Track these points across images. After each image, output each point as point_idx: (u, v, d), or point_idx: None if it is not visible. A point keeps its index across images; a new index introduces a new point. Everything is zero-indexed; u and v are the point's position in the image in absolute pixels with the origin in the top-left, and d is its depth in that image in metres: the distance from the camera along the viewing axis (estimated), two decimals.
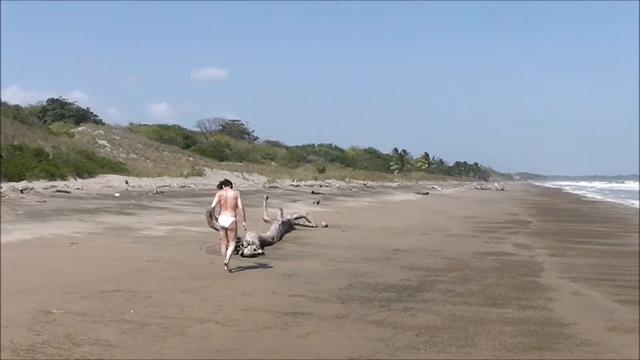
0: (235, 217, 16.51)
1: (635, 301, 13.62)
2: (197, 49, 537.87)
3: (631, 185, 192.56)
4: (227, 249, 16.36)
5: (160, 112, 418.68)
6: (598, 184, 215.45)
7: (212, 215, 18.93)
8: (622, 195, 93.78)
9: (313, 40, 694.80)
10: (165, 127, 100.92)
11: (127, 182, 54.55)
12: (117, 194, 42.68)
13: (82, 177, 53.20)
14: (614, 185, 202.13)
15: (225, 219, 16.46)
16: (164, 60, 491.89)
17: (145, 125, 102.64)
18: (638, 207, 57.22)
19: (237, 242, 17.76)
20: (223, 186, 16.90)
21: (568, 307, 12.93)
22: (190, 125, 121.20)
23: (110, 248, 18.82)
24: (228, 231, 16.44)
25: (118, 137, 79.21)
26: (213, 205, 17.10)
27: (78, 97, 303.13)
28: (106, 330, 9.95)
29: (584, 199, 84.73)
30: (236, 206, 16.52)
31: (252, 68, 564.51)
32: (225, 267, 15.90)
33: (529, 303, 13.19)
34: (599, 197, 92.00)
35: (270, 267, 17.08)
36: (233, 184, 17.53)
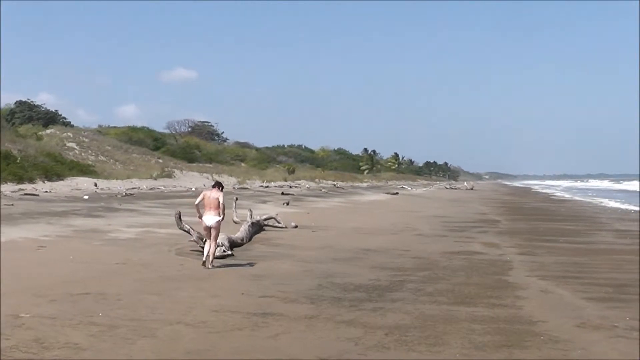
0: (219, 216, 17.01)
1: (603, 298, 13.77)
2: (166, 49, 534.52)
3: (597, 183, 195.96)
4: (209, 247, 16.89)
5: (129, 114, 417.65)
6: (564, 183, 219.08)
7: (181, 217, 18.99)
8: (590, 194, 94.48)
9: (282, 41, 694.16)
10: (135, 129, 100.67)
11: (96, 185, 54.37)
12: (86, 197, 42.48)
13: (50, 180, 52.85)
14: (579, 184, 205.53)
15: (209, 218, 16.95)
16: (133, 61, 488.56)
17: (114, 127, 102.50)
18: (614, 207, 57.77)
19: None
20: (213, 186, 17.76)
21: (537, 305, 13.02)
22: (159, 127, 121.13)
23: (79, 251, 18.71)
24: (212, 230, 16.91)
25: (87, 140, 78.87)
26: (197, 202, 17.48)
27: (46, 99, 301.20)
28: (75, 333, 9.88)
29: (552, 197, 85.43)
30: (218, 206, 16.98)
31: (222, 69, 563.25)
32: (204, 265, 16.55)
33: (498, 301, 13.26)
34: (567, 195, 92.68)
35: (240, 268, 17.02)
36: (223, 187, 18.11)
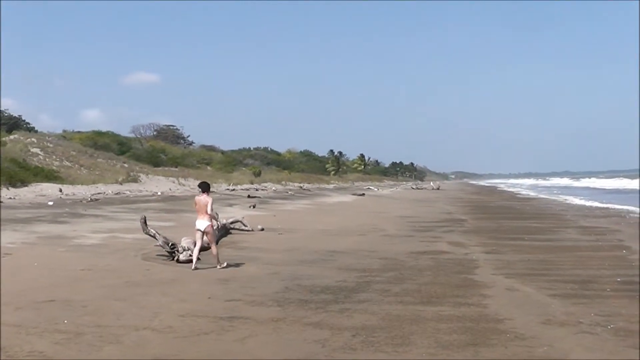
0: (210, 221, 18.18)
1: (567, 294, 13.88)
2: (127, 53, 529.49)
3: (557, 180, 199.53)
4: (198, 250, 17.89)
5: (92, 118, 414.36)
6: (528, 181, 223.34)
7: (146, 222, 18.94)
8: (555, 192, 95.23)
9: (245, 42, 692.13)
10: (100, 134, 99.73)
11: (60, 190, 53.96)
12: (50, 203, 42.19)
13: (14, 186, 52.33)
14: (540, 181, 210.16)
15: (201, 223, 17.86)
16: (92, 64, 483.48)
17: (79, 132, 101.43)
18: (579, 204, 58.27)
19: (172, 248, 18.14)
20: (202, 190, 18.47)
21: (502, 303, 13.09)
22: (124, 131, 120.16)
23: (44, 258, 18.56)
24: (205, 234, 17.98)
25: (51, 145, 78.00)
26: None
27: (9, 105, 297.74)
28: (40, 341, 9.81)
29: (518, 196, 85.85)
30: (207, 211, 17.87)
31: (184, 72, 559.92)
32: (195, 270, 17.24)
33: (464, 300, 13.32)
34: (532, 193, 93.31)
35: (207, 272, 16.95)
36: (210, 186, 19.33)
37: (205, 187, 18.54)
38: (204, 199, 17.96)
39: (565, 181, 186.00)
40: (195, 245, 18.09)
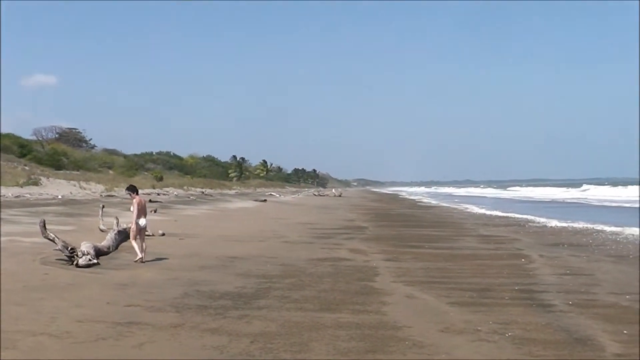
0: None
1: (466, 302, 14.01)
2: (23, 54, 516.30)
3: (446, 189, 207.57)
4: (143, 244, 19.96)
5: None
6: (428, 189, 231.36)
7: (45, 226, 18.53)
8: (456, 200, 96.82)
9: (147, 43, 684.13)
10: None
11: None
12: None
13: None
14: (431, 189, 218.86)
15: (144, 221, 20.16)
16: None
17: None
18: (479, 212, 59.23)
19: (72, 253, 17.89)
20: (132, 192, 20.65)
21: (401, 311, 13.13)
22: (25, 133, 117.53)
23: None
24: (146, 230, 20.58)
25: None
26: (137, 211, 20.06)
27: None
28: None
29: (419, 204, 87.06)
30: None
31: (82, 74, 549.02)
32: (141, 262, 19.41)
33: (364, 307, 13.32)
34: (434, 202, 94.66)
35: (106, 277, 16.63)
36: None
37: (136, 189, 21.01)
38: (144, 198, 20.66)
39: (470, 190, 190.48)
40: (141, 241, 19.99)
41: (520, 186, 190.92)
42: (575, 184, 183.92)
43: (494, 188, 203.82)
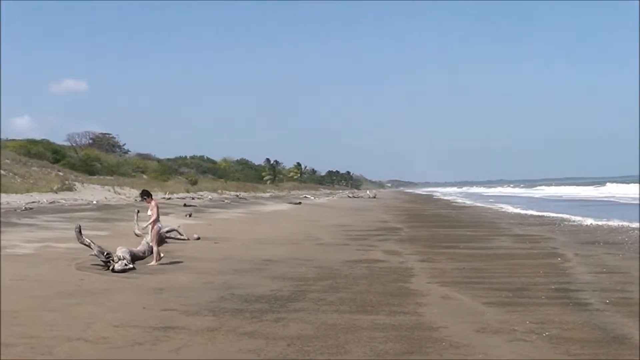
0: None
1: (502, 302, 13.95)
2: (52, 60, 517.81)
3: (479, 189, 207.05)
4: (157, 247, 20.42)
5: (22, 126, 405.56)
6: (463, 189, 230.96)
7: (81, 231, 18.69)
8: (490, 200, 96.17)
9: (178, 47, 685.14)
10: (34, 142, 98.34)
11: None
12: None
13: None
14: (464, 189, 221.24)
15: (160, 224, 20.89)
16: (17, 72, 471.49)
17: (12, 139, 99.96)
18: (514, 212, 58.91)
19: (107, 258, 18.09)
20: (147, 197, 21.25)
21: (437, 311, 13.10)
22: (58, 139, 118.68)
23: None
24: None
25: None
26: (156, 216, 20.64)
27: None
28: None
29: (453, 204, 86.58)
30: None
31: (113, 79, 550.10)
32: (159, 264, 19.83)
33: (399, 309, 13.30)
34: (468, 202, 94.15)
35: (141, 281, 16.72)
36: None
37: (150, 194, 21.63)
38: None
39: (502, 190, 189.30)
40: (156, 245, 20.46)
41: (548, 185, 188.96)
42: (600, 182, 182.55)
43: (521, 187, 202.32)
